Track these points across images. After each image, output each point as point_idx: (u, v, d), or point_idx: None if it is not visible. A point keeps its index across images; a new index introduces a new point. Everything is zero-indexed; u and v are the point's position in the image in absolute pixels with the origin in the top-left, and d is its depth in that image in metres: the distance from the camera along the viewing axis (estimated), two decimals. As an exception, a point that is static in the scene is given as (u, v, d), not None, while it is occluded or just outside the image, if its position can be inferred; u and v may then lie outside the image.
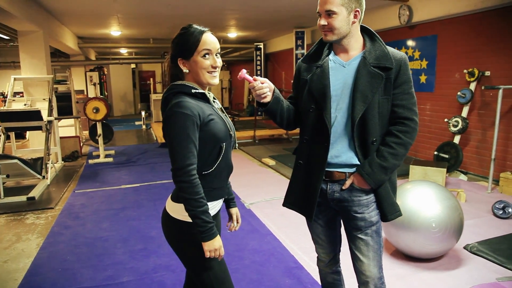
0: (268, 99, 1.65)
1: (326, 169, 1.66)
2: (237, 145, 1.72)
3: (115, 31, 8.76)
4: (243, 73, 1.62)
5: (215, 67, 1.53)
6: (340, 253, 1.90)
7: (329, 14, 1.55)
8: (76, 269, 2.94)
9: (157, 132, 9.57)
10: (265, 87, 1.62)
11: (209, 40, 1.50)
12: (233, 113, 13.36)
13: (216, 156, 1.52)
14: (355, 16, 1.59)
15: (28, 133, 8.01)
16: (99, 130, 6.93)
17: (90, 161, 6.71)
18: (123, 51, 13.43)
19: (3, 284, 2.78)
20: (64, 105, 7.16)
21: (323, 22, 1.58)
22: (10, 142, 5.89)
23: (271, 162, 6.33)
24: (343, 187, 1.65)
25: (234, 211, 1.84)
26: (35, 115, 5.29)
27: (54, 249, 3.31)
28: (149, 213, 4.14)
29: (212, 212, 1.58)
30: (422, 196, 2.71)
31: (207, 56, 1.50)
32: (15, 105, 5.80)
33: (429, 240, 2.62)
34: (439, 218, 2.60)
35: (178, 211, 1.52)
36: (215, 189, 1.57)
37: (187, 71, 1.53)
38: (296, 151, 1.80)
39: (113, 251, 3.22)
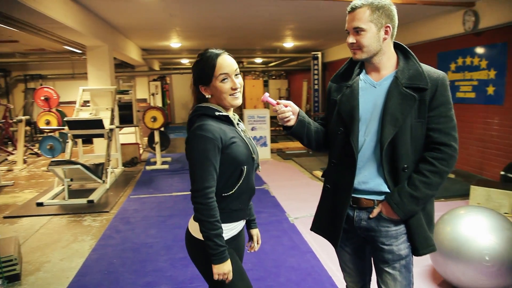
0: (291, 122, 1.63)
1: (353, 195, 1.57)
2: (260, 167, 1.71)
3: (175, 43, 9.21)
4: (266, 96, 1.63)
5: (235, 89, 1.53)
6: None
7: (357, 31, 1.48)
8: (119, 273, 3.10)
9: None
10: (287, 111, 1.61)
11: (225, 63, 1.51)
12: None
13: (237, 179, 1.53)
14: (386, 32, 1.50)
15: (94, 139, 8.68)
16: (156, 138, 7.29)
17: (147, 168, 7.07)
18: (185, 61, 14.06)
19: (57, 280, 3.01)
20: (126, 114, 7.66)
21: (351, 40, 1.51)
22: (77, 147, 6.43)
23: (321, 174, 6.17)
24: (371, 216, 1.55)
25: (255, 232, 1.83)
26: (98, 123, 5.72)
27: (103, 251, 3.52)
28: (194, 221, 4.24)
29: (232, 233, 1.59)
30: (476, 224, 2.45)
31: (225, 80, 1.51)
32: (82, 114, 6.31)
33: (481, 274, 2.36)
34: (494, 250, 2.33)
35: (199, 231, 1.53)
36: (235, 211, 1.58)
37: (209, 96, 1.55)
38: (324, 175, 1.74)
39: (155, 258, 3.34)
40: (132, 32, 7.86)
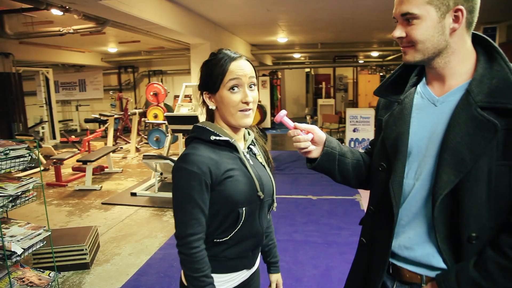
0: (313, 154, 1.20)
1: (392, 262, 1.08)
2: (275, 204, 1.31)
3: (281, 38, 9.02)
4: (281, 116, 1.21)
5: (246, 103, 1.16)
6: None
7: (408, 19, 0.97)
8: (173, 278, 3.02)
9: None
10: (304, 140, 1.17)
11: (239, 67, 1.15)
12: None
13: (233, 223, 1.18)
14: (456, 20, 0.96)
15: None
16: (252, 135, 7.23)
17: (241, 164, 7.05)
18: (297, 55, 13.83)
19: (118, 275, 3.09)
20: (227, 110, 7.79)
21: (398, 33, 1.00)
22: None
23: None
24: (414, 297, 1.03)
25: (274, 278, 1.46)
26: (193, 119, 5.86)
27: (168, 252, 3.51)
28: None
29: (230, 284, 1.25)
30: None
31: (235, 89, 1.15)
32: (182, 109, 6.59)
33: None
34: None
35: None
36: (232, 259, 1.22)
37: (214, 107, 1.21)
38: (362, 222, 1.27)
39: (213, 268, 3.18)
40: (237, 28, 7.92)
